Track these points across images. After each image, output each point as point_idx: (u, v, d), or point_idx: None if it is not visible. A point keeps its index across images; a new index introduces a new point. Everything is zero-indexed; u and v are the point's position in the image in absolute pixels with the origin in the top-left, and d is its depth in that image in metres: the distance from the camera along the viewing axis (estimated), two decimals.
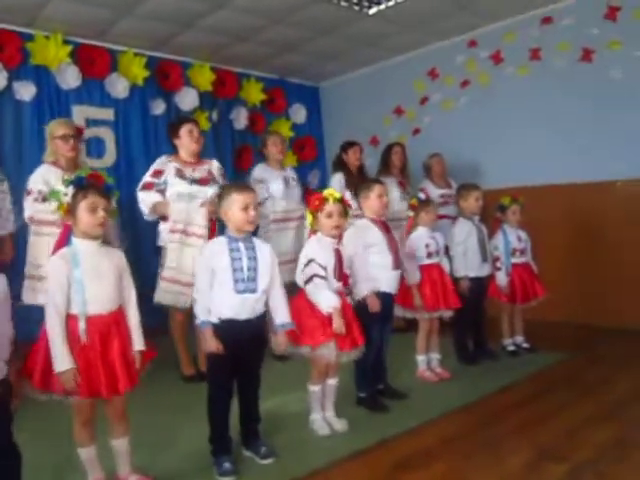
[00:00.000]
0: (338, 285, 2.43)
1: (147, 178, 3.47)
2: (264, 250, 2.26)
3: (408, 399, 2.87)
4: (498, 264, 3.57)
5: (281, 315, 2.26)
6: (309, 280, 2.36)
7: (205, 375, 3.30)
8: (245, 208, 2.16)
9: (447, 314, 3.20)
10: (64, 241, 1.94)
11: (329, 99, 6.35)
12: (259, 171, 4.09)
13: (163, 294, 3.24)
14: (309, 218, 2.48)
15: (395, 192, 4.38)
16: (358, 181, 4.30)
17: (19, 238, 3.32)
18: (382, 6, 4.42)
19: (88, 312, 1.85)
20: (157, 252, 3.47)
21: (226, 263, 2.14)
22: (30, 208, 3.09)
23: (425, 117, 5.41)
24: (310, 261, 2.37)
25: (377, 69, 5.79)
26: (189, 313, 3.37)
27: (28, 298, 2.94)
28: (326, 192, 2.45)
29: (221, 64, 5.43)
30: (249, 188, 2.28)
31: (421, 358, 3.24)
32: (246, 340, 2.17)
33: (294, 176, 4.27)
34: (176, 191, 3.39)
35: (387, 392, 2.88)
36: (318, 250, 2.41)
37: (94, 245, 1.94)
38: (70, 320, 1.85)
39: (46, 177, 3.14)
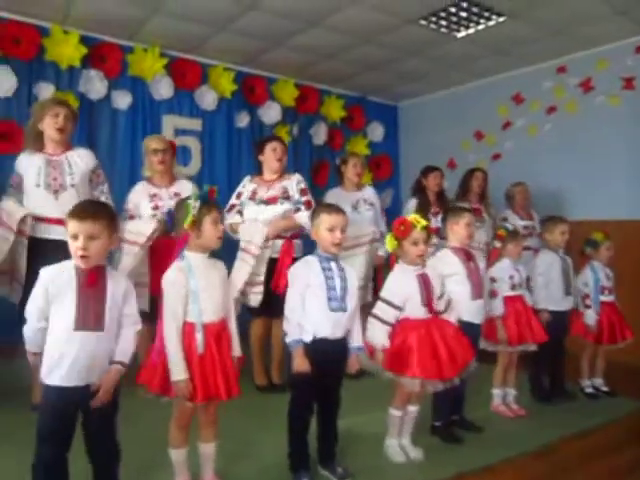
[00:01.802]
0: (424, 311, 2.39)
1: (231, 200, 3.65)
2: (351, 272, 2.32)
3: (483, 433, 2.81)
4: (587, 302, 3.44)
5: (356, 338, 2.29)
6: (373, 315, 2.39)
7: (277, 387, 3.41)
8: (331, 229, 2.21)
9: (532, 347, 3.10)
10: (179, 253, 2.04)
11: (407, 119, 6.35)
12: (328, 197, 4.07)
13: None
14: (391, 243, 2.43)
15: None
16: (437, 206, 4.29)
17: None
18: (471, 30, 4.40)
19: (204, 320, 1.96)
20: None
21: (321, 281, 2.19)
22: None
23: (506, 142, 5.31)
24: (381, 299, 2.40)
25: (459, 92, 5.74)
26: (268, 324, 3.49)
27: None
28: (412, 218, 2.42)
29: (304, 80, 5.54)
30: (339, 210, 2.30)
31: (497, 392, 3.16)
32: (334, 359, 2.21)
33: (369, 198, 4.12)
34: (248, 213, 3.54)
35: (462, 424, 2.82)
36: (401, 283, 2.40)
37: (204, 258, 2.05)
38: (187, 328, 1.95)
39: (135, 199, 3.47)
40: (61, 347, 1.73)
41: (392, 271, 2.48)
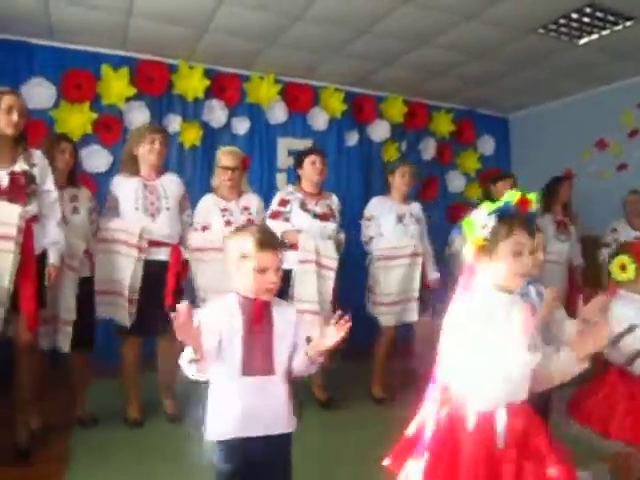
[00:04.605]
0: None
1: (275, 207, 3.54)
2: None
3: None
4: None
5: None
6: (634, 359, 1.88)
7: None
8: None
9: None
10: (467, 282, 1.50)
11: (520, 131, 6.11)
12: (371, 207, 3.86)
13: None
14: (630, 270, 1.98)
15: (550, 230, 4.07)
16: None
17: None
18: (594, 36, 4.17)
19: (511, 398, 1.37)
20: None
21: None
22: (191, 238, 3.26)
23: (635, 152, 4.94)
24: (631, 328, 1.86)
25: (577, 100, 5.44)
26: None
27: None
28: None
29: (413, 97, 5.53)
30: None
31: None
32: None
33: (416, 214, 3.89)
34: (300, 223, 3.44)
35: None
36: (630, 314, 1.96)
37: (507, 297, 1.44)
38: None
39: (206, 207, 3.35)
40: (231, 395, 1.54)
41: (614, 299, 2.04)
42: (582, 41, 4.26)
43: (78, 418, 3.05)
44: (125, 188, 3.13)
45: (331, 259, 3.33)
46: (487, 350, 1.32)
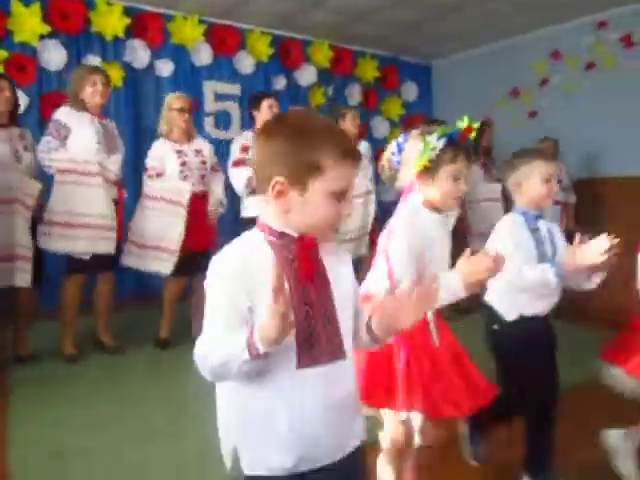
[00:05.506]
0: None
1: (237, 154, 3.63)
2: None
3: None
4: None
5: None
6: None
7: None
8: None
9: None
10: (405, 198, 1.60)
11: (441, 78, 6.32)
12: None
13: None
14: None
15: (479, 173, 4.38)
16: None
17: None
18: None
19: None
20: (241, 223, 3.70)
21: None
22: (145, 184, 3.42)
23: (544, 100, 5.28)
24: None
25: (494, 49, 5.67)
26: None
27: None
28: None
29: (339, 42, 5.56)
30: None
31: None
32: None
33: (366, 152, 4.19)
34: None
35: None
36: None
37: (434, 217, 1.56)
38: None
39: (160, 151, 3.41)
40: (279, 404, 0.94)
41: None
42: None
43: (17, 355, 3.09)
44: (78, 120, 3.11)
45: None
46: (409, 259, 1.43)
